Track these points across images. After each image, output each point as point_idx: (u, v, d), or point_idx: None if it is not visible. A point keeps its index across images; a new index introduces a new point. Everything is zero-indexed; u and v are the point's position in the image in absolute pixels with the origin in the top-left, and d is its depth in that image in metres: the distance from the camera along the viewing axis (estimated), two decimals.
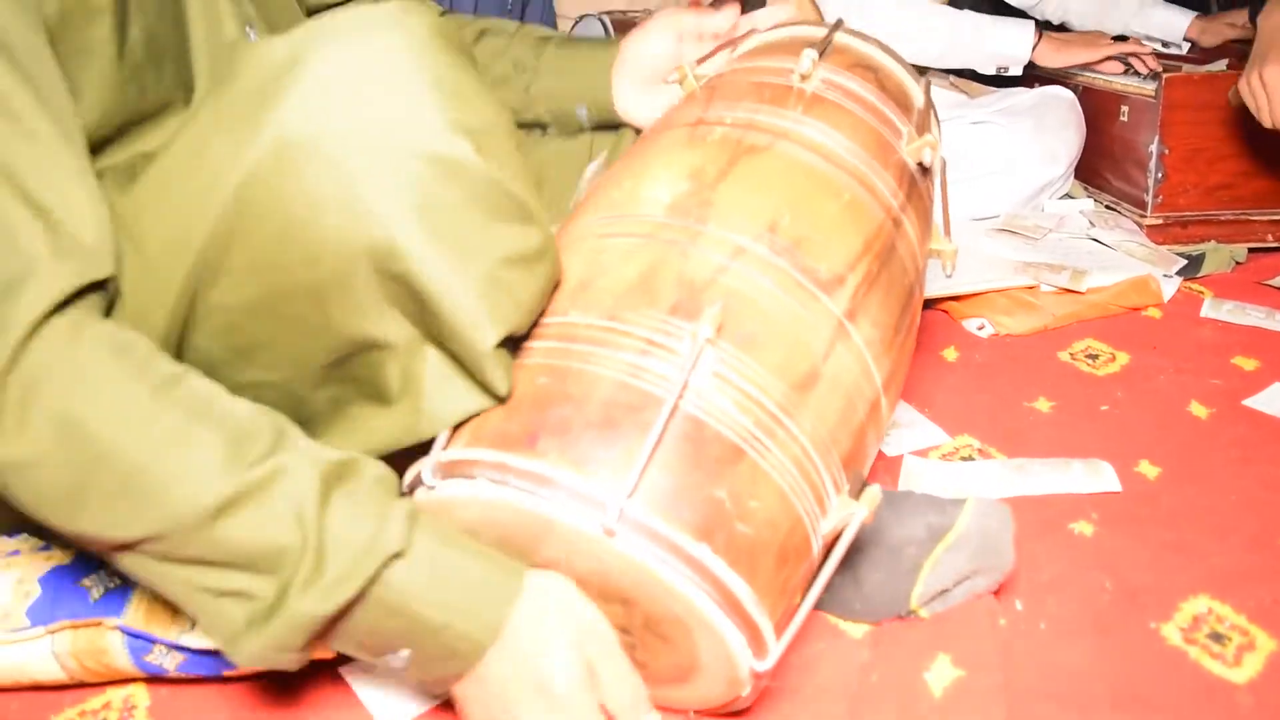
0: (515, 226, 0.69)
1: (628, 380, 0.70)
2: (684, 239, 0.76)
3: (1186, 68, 1.89)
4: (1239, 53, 2.09)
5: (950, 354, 1.49)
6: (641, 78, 1.15)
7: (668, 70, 1.13)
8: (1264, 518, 1.08)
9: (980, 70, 2.03)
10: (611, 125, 1.20)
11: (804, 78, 0.90)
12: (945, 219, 1.03)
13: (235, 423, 0.68)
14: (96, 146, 0.80)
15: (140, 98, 0.83)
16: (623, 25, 2.49)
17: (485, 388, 0.72)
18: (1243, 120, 1.68)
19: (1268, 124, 1.51)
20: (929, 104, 1.02)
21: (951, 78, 2.15)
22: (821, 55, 0.93)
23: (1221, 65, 1.89)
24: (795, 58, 0.92)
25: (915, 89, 1.01)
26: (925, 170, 0.95)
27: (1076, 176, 2.02)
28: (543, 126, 1.22)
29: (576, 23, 2.61)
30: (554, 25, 2.73)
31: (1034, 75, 2.10)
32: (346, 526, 0.67)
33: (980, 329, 1.55)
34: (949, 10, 1.98)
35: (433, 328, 0.70)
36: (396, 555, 0.67)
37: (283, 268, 0.68)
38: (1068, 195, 1.99)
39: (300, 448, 0.69)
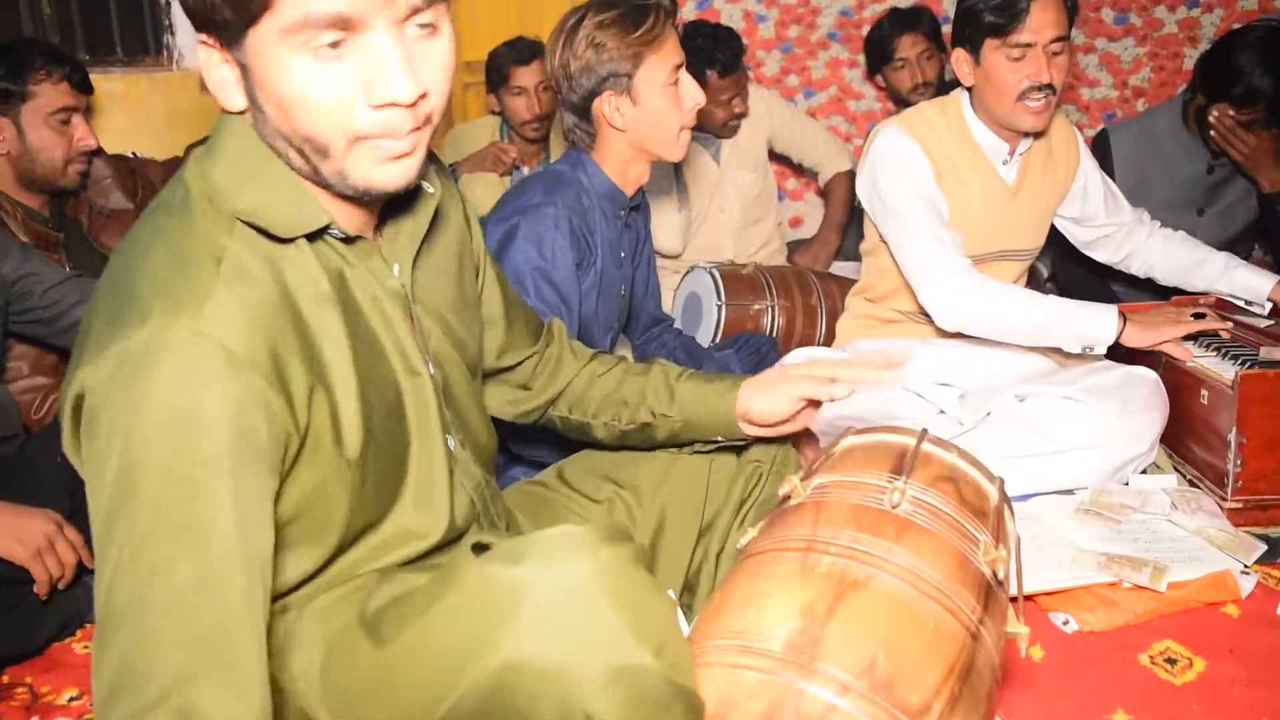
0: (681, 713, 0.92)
1: None
2: (799, 678, 0.96)
3: (1264, 351, 2.04)
4: None
5: (1036, 652, 1.63)
6: (759, 413, 1.41)
7: (782, 417, 1.39)
8: None
9: (1068, 349, 2.19)
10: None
11: (895, 505, 1.09)
12: (1019, 603, 1.19)
13: None
14: (331, 558, 1.04)
15: (374, 500, 1.07)
16: (731, 277, 2.74)
17: None
18: None
19: None
20: (1003, 497, 1.20)
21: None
22: (909, 473, 1.12)
23: None
24: (887, 473, 1.12)
25: (991, 490, 1.19)
26: (1000, 580, 1.12)
27: (1162, 443, 2.15)
28: (682, 445, 1.49)
29: (687, 274, 2.86)
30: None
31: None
32: None
33: (1065, 624, 1.69)
34: (1041, 297, 2.16)
35: None
36: None
37: None
38: (1154, 465, 2.13)
39: None
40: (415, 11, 0.94)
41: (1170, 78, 3.68)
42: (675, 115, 1.92)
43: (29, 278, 1.97)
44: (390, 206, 1.13)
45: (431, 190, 1.17)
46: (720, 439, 1.46)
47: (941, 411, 2.23)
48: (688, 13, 3.76)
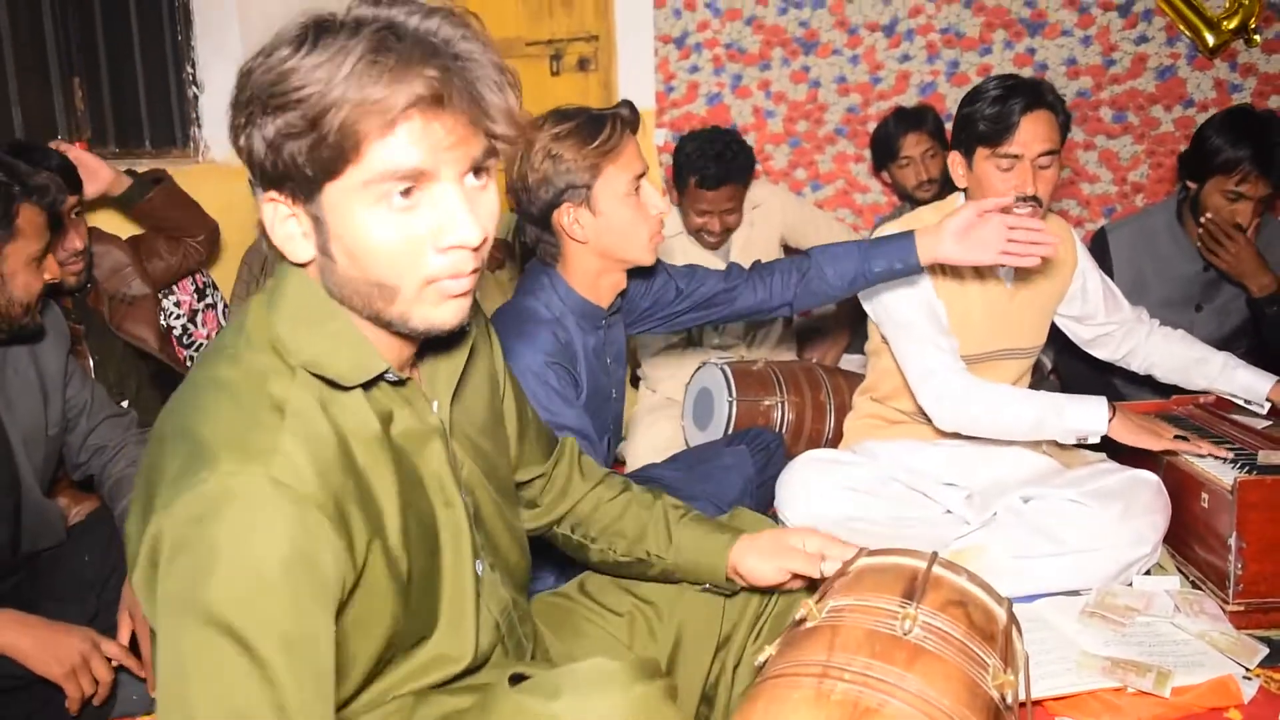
0: None
1: None
2: None
3: (1262, 455, 2.10)
4: None
5: None
6: (748, 572, 1.46)
7: (770, 583, 1.45)
8: None
9: (1062, 441, 2.25)
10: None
11: (906, 632, 1.15)
12: (1028, 708, 1.24)
13: None
14: (369, 681, 1.09)
15: (411, 627, 1.11)
16: (741, 373, 2.80)
17: None
18: None
19: None
20: (1011, 618, 1.26)
21: (1046, 445, 2.39)
22: (920, 597, 1.18)
23: None
24: (899, 598, 1.18)
25: (999, 611, 1.25)
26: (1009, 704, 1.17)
27: (1165, 542, 2.20)
28: (674, 581, 1.53)
29: (699, 370, 2.93)
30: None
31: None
32: None
33: None
34: (1033, 395, 2.24)
35: None
36: None
37: None
38: (1158, 566, 2.18)
39: None
40: (476, 165, 1.03)
41: (1167, 174, 3.78)
42: (641, 224, 1.91)
43: (83, 409, 2.01)
44: (428, 341, 1.19)
45: (468, 327, 1.24)
46: (708, 585, 1.51)
47: (948, 511, 2.29)
48: (698, 108, 3.90)
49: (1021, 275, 2.33)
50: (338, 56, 0.94)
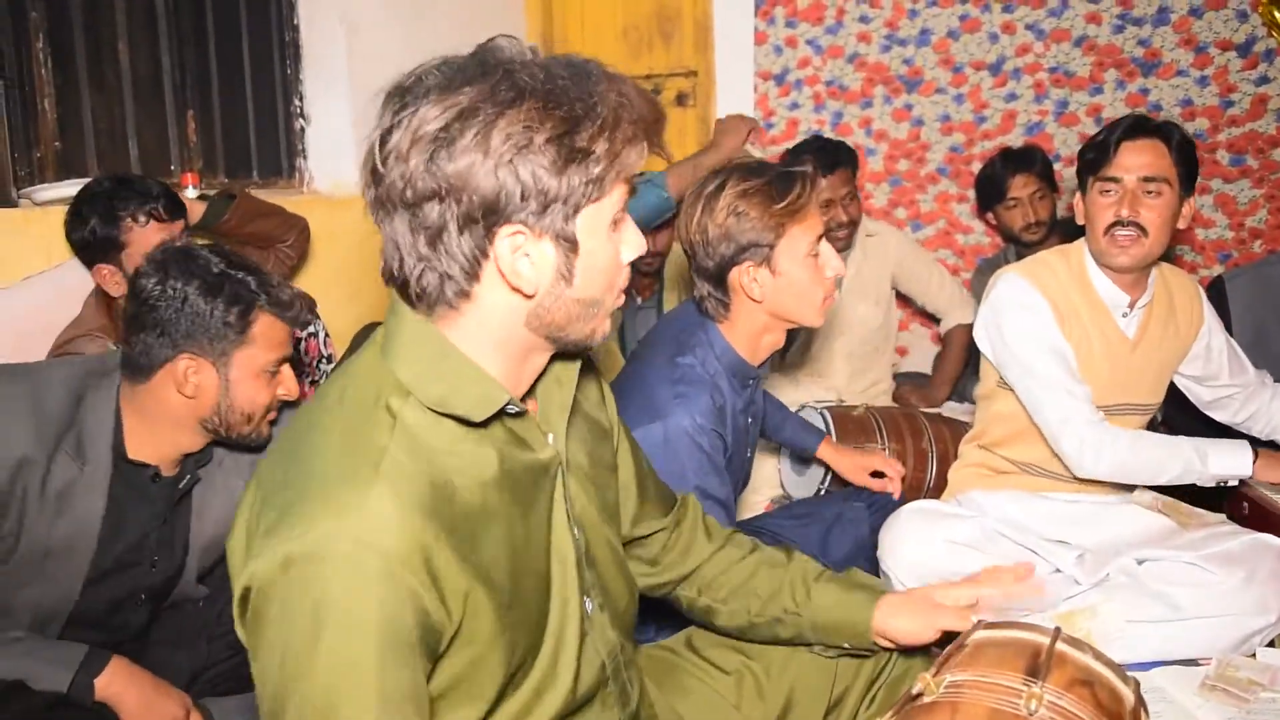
0: None
1: None
2: None
3: None
4: None
5: None
6: (897, 633, 1.42)
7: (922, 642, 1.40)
8: None
9: (1203, 485, 2.18)
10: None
11: (1032, 713, 1.09)
12: None
13: None
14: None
15: (510, 655, 1.10)
16: (841, 418, 2.75)
17: None
18: None
19: None
20: (1139, 700, 1.19)
21: (1160, 500, 2.30)
22: (1045, 676, 1.12)
23: None
24: (1021, 675, 1.12)
25: (1126, 692, 1.18)
26: None
27: None
28: (807, 644, 1.46)
29: (798, 412, 2.88)
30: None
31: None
32: None
33: None
34: (1176, 441, 2.16)
35: None
36: None
37: None
38: None
39: None
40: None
41: None
42: (818, 286, 1.86)
43: None
44: (539, 375, 1.19)
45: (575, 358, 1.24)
46: (846, 645, 1.46)
47: (1057, 570, 2.20)
48: None
49: (1144, 329, 2.25)
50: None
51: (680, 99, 4.18)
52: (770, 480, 2.90)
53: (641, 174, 2.79)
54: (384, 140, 1.01)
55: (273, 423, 1.82)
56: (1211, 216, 3.70)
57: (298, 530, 0.96)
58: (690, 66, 4.14)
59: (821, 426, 2.71)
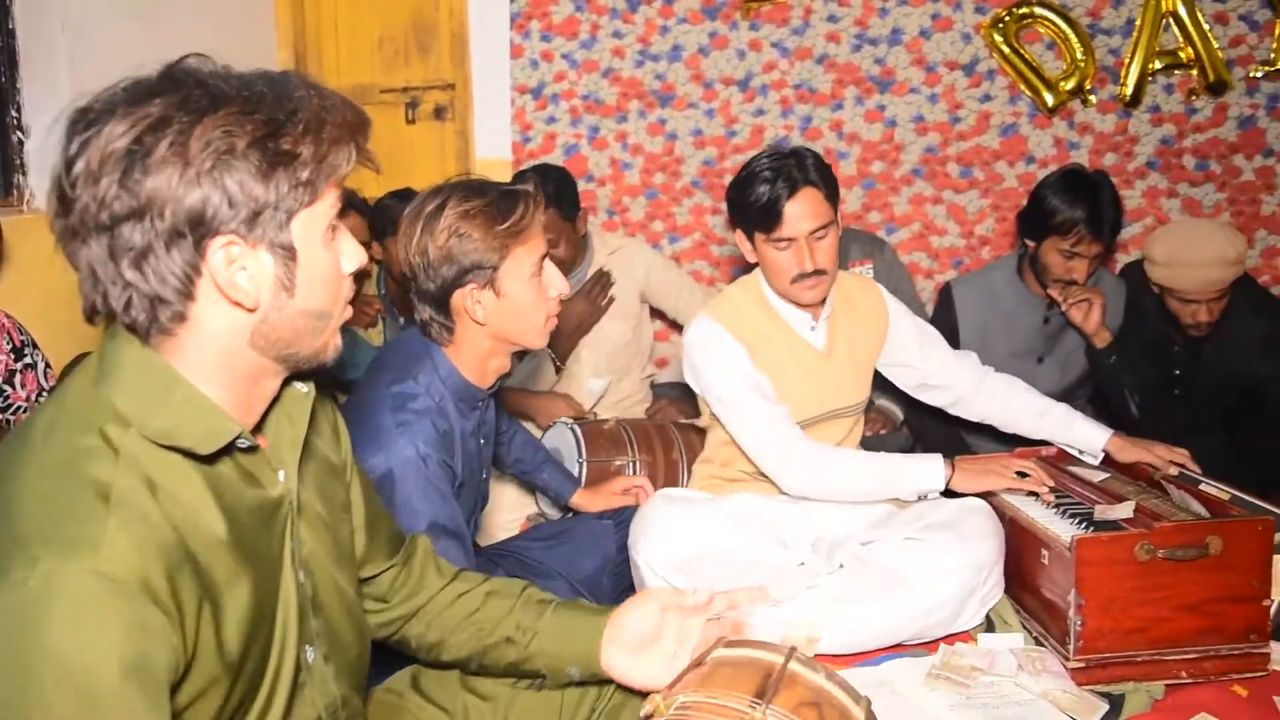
0: None
1: None
2: None
3: (1098, 510, 2.16)
4: (1149, 475, 2.39)
5: None
6: (629, 645, 1.40)
7: (652, 638, 1.39)
8: None
9: (905, 499, 2.31)
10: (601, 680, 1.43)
11: None
12: None
13: None
14: None
15: (224, 701, 1.04)
16: (592, 432, 2.76)
17: None
18: (1148, 573, 1.94)
19: None
20: (869, 717, 1.24)
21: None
22: (771, 697, 1.16)
23: (1129, 509, 2.16)
24: (749, 696, 1.16)
25: (857, 712, 1.22)
26: None
27: (1008, 593, 2.24)
28: (541, 676, 1.45)
29: (548, 429, 2.88)
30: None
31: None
32: None
33: None
34: (873, 457, 2.29)
35: None
36: None
37: None
38: (1003, 621, 2.21)
39: None
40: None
41: (1011, 227, 3.87)
42: (541, 306, 1.85)
43: None
44: (269, 408, 1.14)
45: (305, 389, 1.19)
46: (574, 670, 1.43)
47: (802, 563, 2.28)
48: (555, 159, 3.87)
49: (833, 338, 2.39)
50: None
51: (438, 112, 4.12)
52: (523, 501, 2.89)
53: None
54: (70, 164, 0.94)
55: None
56: (944, 225, 3.95)
57: (22, 573, 0.87)
58: (448, 79, 4.09)
59: (572, 440, 2.72)
